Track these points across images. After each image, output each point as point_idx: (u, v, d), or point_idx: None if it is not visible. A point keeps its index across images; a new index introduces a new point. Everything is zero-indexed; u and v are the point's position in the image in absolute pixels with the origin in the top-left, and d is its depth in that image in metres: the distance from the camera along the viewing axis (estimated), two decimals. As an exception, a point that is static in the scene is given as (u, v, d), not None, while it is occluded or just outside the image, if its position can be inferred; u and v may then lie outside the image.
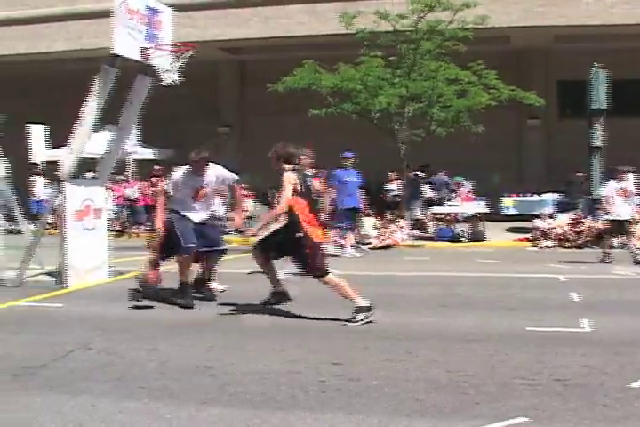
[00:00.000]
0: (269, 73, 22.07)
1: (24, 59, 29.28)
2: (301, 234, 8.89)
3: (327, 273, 9.01)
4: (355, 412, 5.51)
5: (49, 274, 12.97)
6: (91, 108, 11.83)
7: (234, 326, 8.85)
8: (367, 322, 8.69)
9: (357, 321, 8.69)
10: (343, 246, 17.40)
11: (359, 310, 8.76)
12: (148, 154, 26.78)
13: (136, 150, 24.80)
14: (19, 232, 13.96)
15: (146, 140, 25.32)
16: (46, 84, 30.89)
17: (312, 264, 9.00)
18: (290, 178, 8.99)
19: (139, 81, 12.69)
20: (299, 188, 9.02)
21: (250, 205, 23.15)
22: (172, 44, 12.75)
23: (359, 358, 7.18)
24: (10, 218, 14.15)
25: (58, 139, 24.72)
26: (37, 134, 27.03)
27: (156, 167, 25.53)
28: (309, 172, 12.47)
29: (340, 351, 7.42)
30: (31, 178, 26.00)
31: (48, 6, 28.69)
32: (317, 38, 24.87)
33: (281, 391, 6.04)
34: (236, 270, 13.22)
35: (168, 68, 12.49)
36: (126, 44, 11.82)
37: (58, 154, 22.07)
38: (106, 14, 24.09)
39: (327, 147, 26.33)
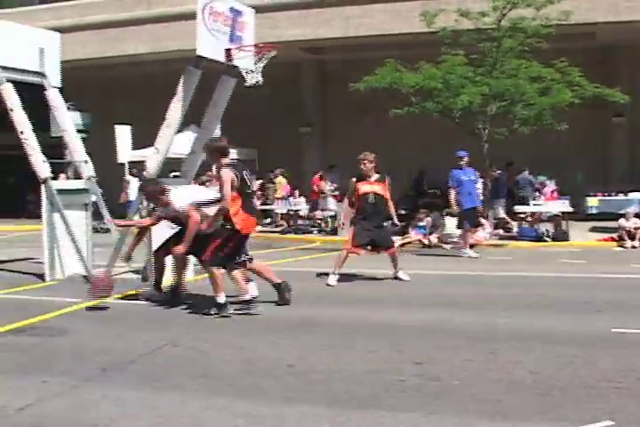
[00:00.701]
0: (351, 72, 22.09)
1: (105, 62, 29.78)
2: (228, 226, 9.35)
3: (216, 266, 9.40)
4: (434, 412, 5.53)
5: (135, 272, 13.22)
6: (175, 109, 12.00)
7: (319, 325, 8.90)
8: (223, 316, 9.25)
9: (210, 314, 9.37)
10: (461, 247, 17.29)
11: (218, 306, 9.38)
12: (231, 154, 27.00)
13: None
14: (106, 231, 14.26)
15: (228, 141, 25.53)
16: (130, 86, 31.41)
17: (209, 252, 9.41)
18: (228, 174, 9.33)
19: (222, 82, 12.82)
20: (236, 182, 9.36)
21: (332, 203, 23.25)
22: (255, 45, 12.85)
23: (441, 357, 7.18)
24: (98, 217, 14.44)
25: (142, 139, 25.21)
26: (123, 135, 27.53)
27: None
28: (373, 177, 12.56)
29: (423, 351, 7.43)
30: (126, 178, 26.46)
31: (127, 11, 29.17)
32: (398, 37, 24.79)
33: (363, 390, 6.10)
34: (314, 269, 13.36)
35: (251, 69, 12.61)
36: (210, 46, 11.95)
37: (143, 154, 22.49)
38: (183, 17, 24.68)
39: (408, 146, 26.47)
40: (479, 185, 17.75)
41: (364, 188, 12.57)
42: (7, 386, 6.44)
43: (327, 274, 12.53)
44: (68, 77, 14.52)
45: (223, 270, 9.44)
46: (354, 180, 12.77)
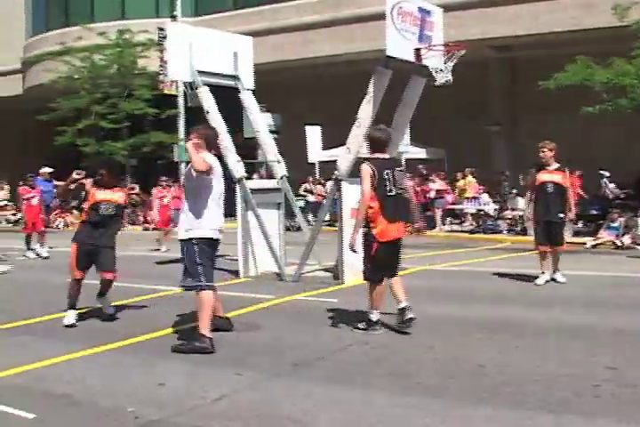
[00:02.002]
0: (539, 70, 21.67)
1: (295, 64, 30.34)
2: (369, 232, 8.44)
3: (365, 280, 8.66)
4: (629, 420, 5.35)
5: (326, 270, 13.44)
6: (366, 109, 12.10)
7: (510, 327, 8.78)
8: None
9: (359, 328, 8.59)
10: None
11: (368, 322, 8.57)
12: (419, 153, 27.05)
13: (408, 150, 25.10)
14: (298, 229, 14.56)
15: (416, 140, 25.56)
16: (318, 87, 31.91)
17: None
18: (365, 170, 8.29)
19: (413, 82, 12.84)
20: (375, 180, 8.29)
21: (521, 202, 22.86)
22: (444, 45, 12.81)
23: (636, 362, 6.95)
24: (290, 215, 14.76)
25: (331, 139, 25.59)
26: (313, 135, 28.04)
27: (420, 166, 25.86)
28: (553, 165, 12.14)
29: (617, 355, 7.21)
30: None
31: (316, 13, 29.62)
32: (588, 32, 24.11)
33: (554, 394, 5.98)
34: (505, 270, 13.20)
35: (441, 69, 12.57)
36: (400, 46, 11.98)
37: (333, 154, 22.81)
38: (372, 18, 24.85)
39: (598, 145, 25.68)
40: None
41: (543, 177, 12.14)
42: (204, 378, 6.71)
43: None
44: (259, 80, 14.91)
45: (381, 284, 8.57)
46: (533, 170, 12.45)
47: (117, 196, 9.59)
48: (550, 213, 12.03)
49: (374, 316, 8.53)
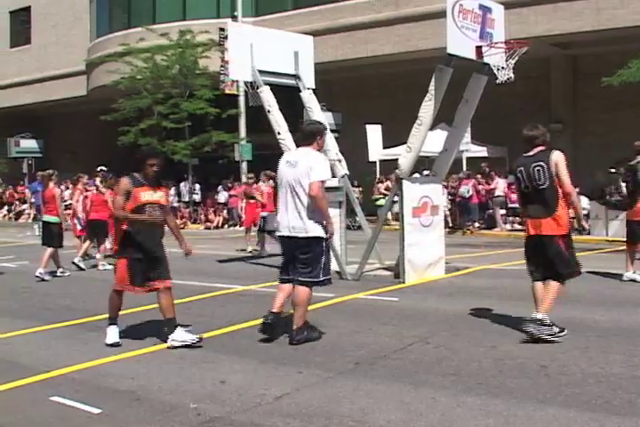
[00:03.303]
0: (603, 67, 21.42)
1: (355, 63, 30.33)
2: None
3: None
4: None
5: (386, 269, 13.44)
6: (427, 108, 12.07)
7: (575, 327, 8.68)
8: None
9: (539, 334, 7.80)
10: None
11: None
12: (480, 151, 26.88)
13: (469, 148, 24.97)
14: (359, 228, 14.56)
15: (477, 138, 25.42)
16: (379, 86, 31.90)
17: None
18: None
19: (474, 80, 12.76)
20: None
21: (586, 202, 22.58)
22: (505, 42, 12.71)
23: None
24: (350, 214, 14.76)
25: (391, 138, 25.53)
26: (374, 134, 28.03)
27: (483, 164, 25.67)
28: None
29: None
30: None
31: (376, 12, 29.56)
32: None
33: (618, 395, 5.90)
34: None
35: (502, 66, 12.48)
36: (461, 44, 11.94)
37: (393, 153, 22.79)
38: (431, 16, 24.74)
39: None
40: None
41: None
42: (266, 375, 6.75)
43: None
44: (319, 79, 14.94)
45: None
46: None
47: (158, 196, 8.24)
48: None
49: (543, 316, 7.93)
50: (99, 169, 19.63)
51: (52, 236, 14.54)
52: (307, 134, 8.37)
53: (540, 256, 8.11)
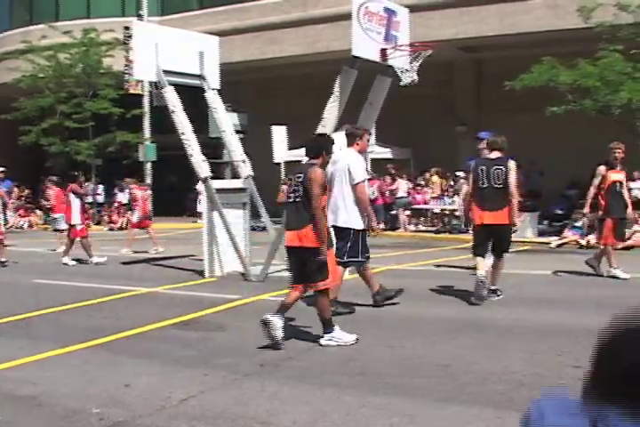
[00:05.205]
0: (506, 71, 21.77)
1: (262, 64, 30.30)
2: None
3: None
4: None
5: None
6: (332, 109, 12.11)
7: (474, 327, 8.83)
8: None
9: None
10: None
11: None
12: (385, 153, 27.10)
13: (373, 149, 25.13)
14: (263, 229, 14.53)
15: (382, 140, 25.60)
16: (286, 87, 31.90)
17: None
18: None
19: (378, 82, 12.83)
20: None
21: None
22: (410, 45, 12.84)
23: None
24: (255, 215, 14.72)
25: (299, 139, 25.52)
26: (279, 135, 27.98)
27: (389, 166, 25.92)
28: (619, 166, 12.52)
29: (584, 354, 7.21)
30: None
31: (283, 13, 29.59)
32: (554, 34, 24.24)
33: (520, 393, 6.00)
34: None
35: (406, 69, 12.60)
36: (366, 46, 12.01)
37: (298, 154, 22.78)
38: (338, 18, 24.84)
39: (564, 145, 25.85)
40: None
41: (614, 176, 12.57)
42: (171, 378, 6.68)
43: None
44: (227, 79, 14.88)
45: None
46: (602, 168, 12.67)
47: None
48: (624, 211, 12.73)
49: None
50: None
51: None
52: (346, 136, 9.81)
53: (494, 239, 10.39)
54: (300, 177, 7.90)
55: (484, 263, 10.37)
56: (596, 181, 12.55)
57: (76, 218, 16.23)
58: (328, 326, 7.90)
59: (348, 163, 9.37)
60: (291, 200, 8.00)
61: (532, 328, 8.56)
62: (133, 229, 19.25)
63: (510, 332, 8.37)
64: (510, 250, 10.98)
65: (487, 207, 10.20)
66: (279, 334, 7.67)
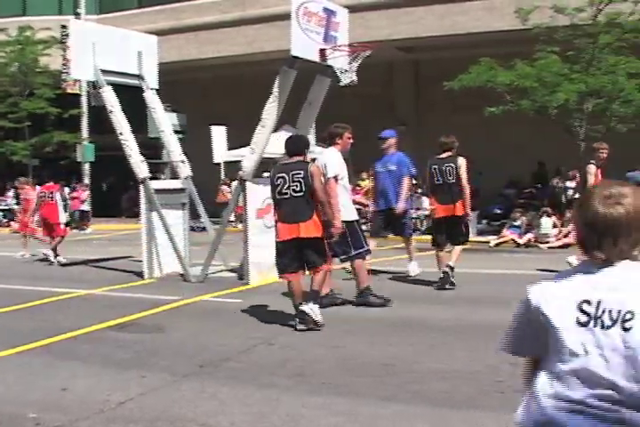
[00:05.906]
0: (445, 71, 21.92)
1: (201, 64, 30.15)
2: None
3: None
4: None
5: (231, 270, 13.39)
6: (271, 110, 12.09)
7: (414, 326, 8.88)
8: None
9: None
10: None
11: None
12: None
13: (313, 150, 25.14)
14: (203, 230, 14.47)
15: (322, 140, 25.62)
16: (225, 87, 31.78)
17: None
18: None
19: (317, 82, 12.83)
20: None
21: (425, 203, 23.12)
22: (349, 45, 12.85)
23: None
24: (194, 216, 14.65)
25: (238, 140, 25.46)
26: (219, 135, 27.90)
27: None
28: None
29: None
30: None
31: (222, 13, 29.49)
32: (492, 35, 24.48)
33: (460, 391, 6.06)
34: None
35: (346, 69, 12.61)
36: (305, 46, 11.98)
37: (239, 154, 22.72)
38: (277, 18, 24.81)
39: (503, 145, 26.14)
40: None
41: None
42: (109, 381, 6.60)
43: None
44: (165, 79, 14.77)
45: None
46: (593, 168, 12.60)
47: None
48: None
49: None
50: None
51: None
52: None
53: (449, 230, 11.36)
54: (298, 174, 8.55)
55: (445, 255, 11.46)
56: (592, 180, 12.50)
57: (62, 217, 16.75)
58: (314, 299, 8.63)
59: (325, 161, 9.74)
60: (287, 196, 8.59)
61: (473, 327, 8.63)
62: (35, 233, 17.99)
63: (452, 330, 8.42)
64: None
65: (442, 201, 11.42)
66: (320, 318, 8.48)
